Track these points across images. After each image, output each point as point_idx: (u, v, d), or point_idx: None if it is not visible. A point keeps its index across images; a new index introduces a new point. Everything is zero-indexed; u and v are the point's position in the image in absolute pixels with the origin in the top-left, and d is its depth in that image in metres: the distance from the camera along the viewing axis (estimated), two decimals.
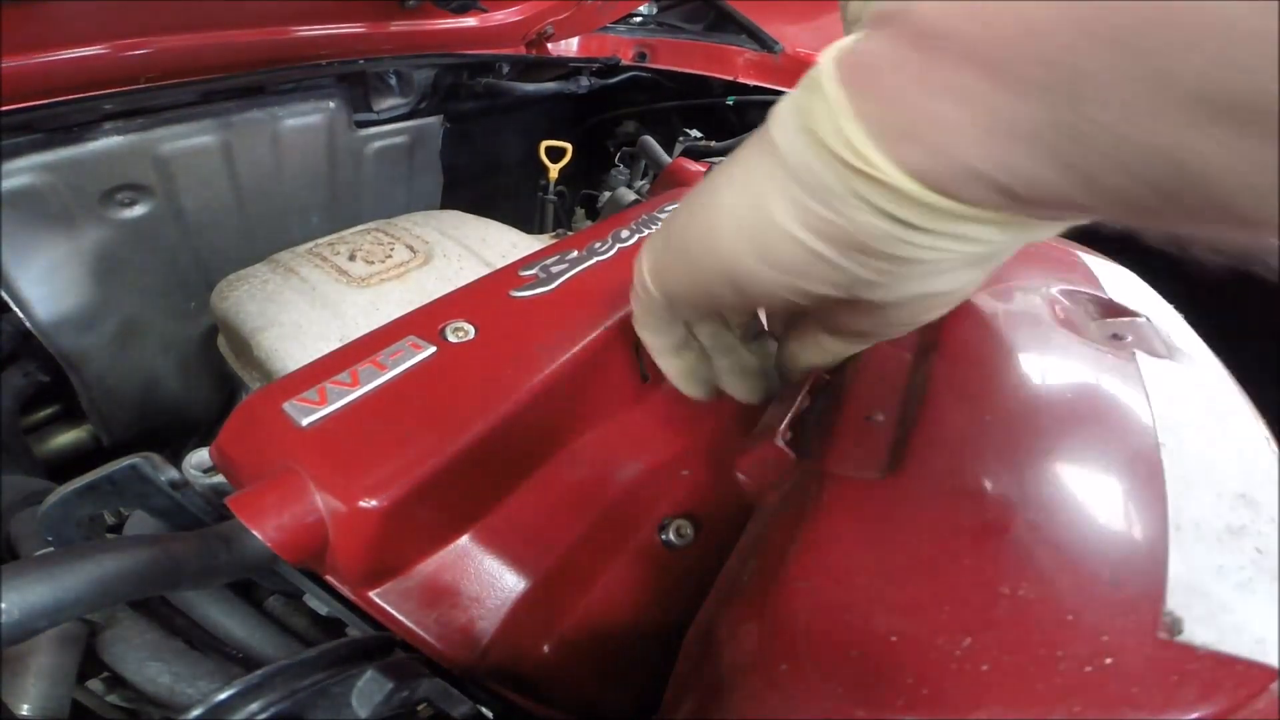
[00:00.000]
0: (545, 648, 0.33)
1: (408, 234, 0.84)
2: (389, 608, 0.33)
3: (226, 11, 0.86)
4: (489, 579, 0.35)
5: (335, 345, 0.41)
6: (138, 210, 0.86)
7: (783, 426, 0.41)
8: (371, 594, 0.33)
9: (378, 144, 1.12)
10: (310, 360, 0.39)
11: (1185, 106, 0.15)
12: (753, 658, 0.25)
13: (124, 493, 0.33)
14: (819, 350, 0.37)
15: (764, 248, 0.23)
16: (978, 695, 0.21)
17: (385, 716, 0.26)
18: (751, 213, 0.22)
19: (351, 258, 0.78)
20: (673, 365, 0.38)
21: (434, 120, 1.19)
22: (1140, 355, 0.38)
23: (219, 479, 0.36)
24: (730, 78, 1.40)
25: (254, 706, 0.24)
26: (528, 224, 1.40)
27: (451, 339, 0.41)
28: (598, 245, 0.54)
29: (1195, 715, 0.20)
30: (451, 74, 1.18)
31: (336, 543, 0.31)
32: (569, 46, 1.53)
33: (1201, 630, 0.22)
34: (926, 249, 0.21)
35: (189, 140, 0.87)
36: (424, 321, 0.42)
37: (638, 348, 0.48)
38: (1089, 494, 0.29)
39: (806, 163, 0.20)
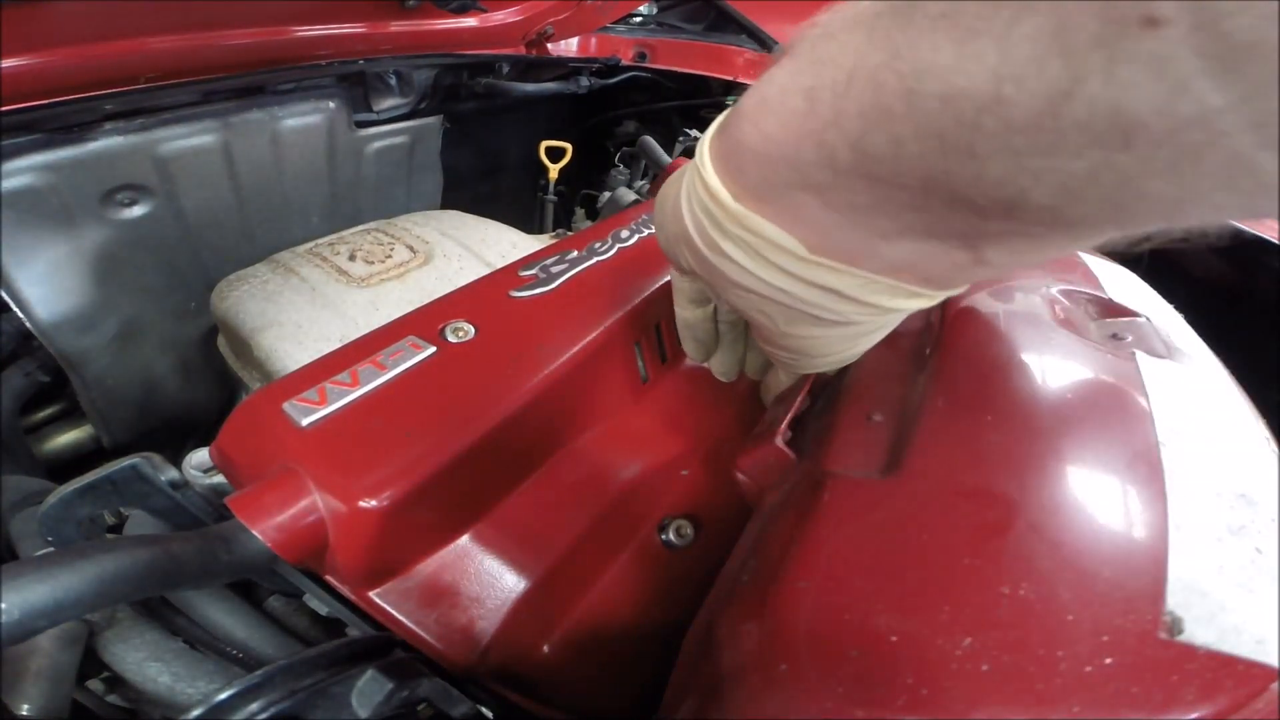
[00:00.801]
0: (545, 648, 0.33)
1: (408, 234, 0.84)
2: (389, 608, 0.33)
3: (226, 11, 0.86)
4: (489, 579, 0.35)
5: (335, 345, 0.41)
6: (138, 210, 0.86)
7: (783, 426, 0.41)
8: (371, 594, 0.33)
9: (378, 144, 1.12)
10: (310, 360, 0.39)
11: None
12: (752, 658, 0.25)
13: (124, 493, 0.33)
14: (774, 373, 0.44)
15: (666, 214, 0.33)
16: (978, 695, 0.21)
17: (385, 716, 0.26)
18: (673, 188, 0.32)
19: (351, 258, 0.78)
20: (682, 311, 0.42)
21: (434, 120, 1.19)
22: (1140, 355, 0.38)
23: (219, 479, 0.36)
24: (730, 78, 1.40)
25: (254, 706, 0.24)
26: (528, 224, 1.40)
27: (451, 339, 0.41)
28: (598, 245, 0.54)
29: (1195, 715, 0.20)
30: (451, 74, 1.18)
31: (336, 543, 0.31)
32: (569, 46, 1.53)
33: (1201, 630, 0.22)
34: (732, 248, 0.29)
35: (189, 140, 0.87)
36: (424, 321, 0.42)
37: (638, 347, 0.48)
38: (1089, 494, 0.29)
39: (695, 168, 0.30)
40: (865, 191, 0.23)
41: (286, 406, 0.34)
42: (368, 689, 0.26)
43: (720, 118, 0.29)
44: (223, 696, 0.24)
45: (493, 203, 1.47)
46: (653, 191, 1.00)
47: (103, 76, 0.80)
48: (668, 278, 0.51)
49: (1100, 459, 0.31)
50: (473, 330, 0.42)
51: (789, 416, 0.42)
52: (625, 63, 1.49)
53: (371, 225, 0.89)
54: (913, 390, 0.38)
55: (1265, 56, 0.13)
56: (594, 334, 0.43)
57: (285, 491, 0.31)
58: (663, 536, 0.40)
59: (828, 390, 0.44)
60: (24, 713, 0.30)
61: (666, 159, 1.03)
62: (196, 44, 0.86)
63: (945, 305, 0.45)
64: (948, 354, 0.40)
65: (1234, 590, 0.23)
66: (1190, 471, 0.29)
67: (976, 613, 0.23)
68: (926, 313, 0.47)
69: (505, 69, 1.26)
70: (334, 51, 1.02)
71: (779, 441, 0.40)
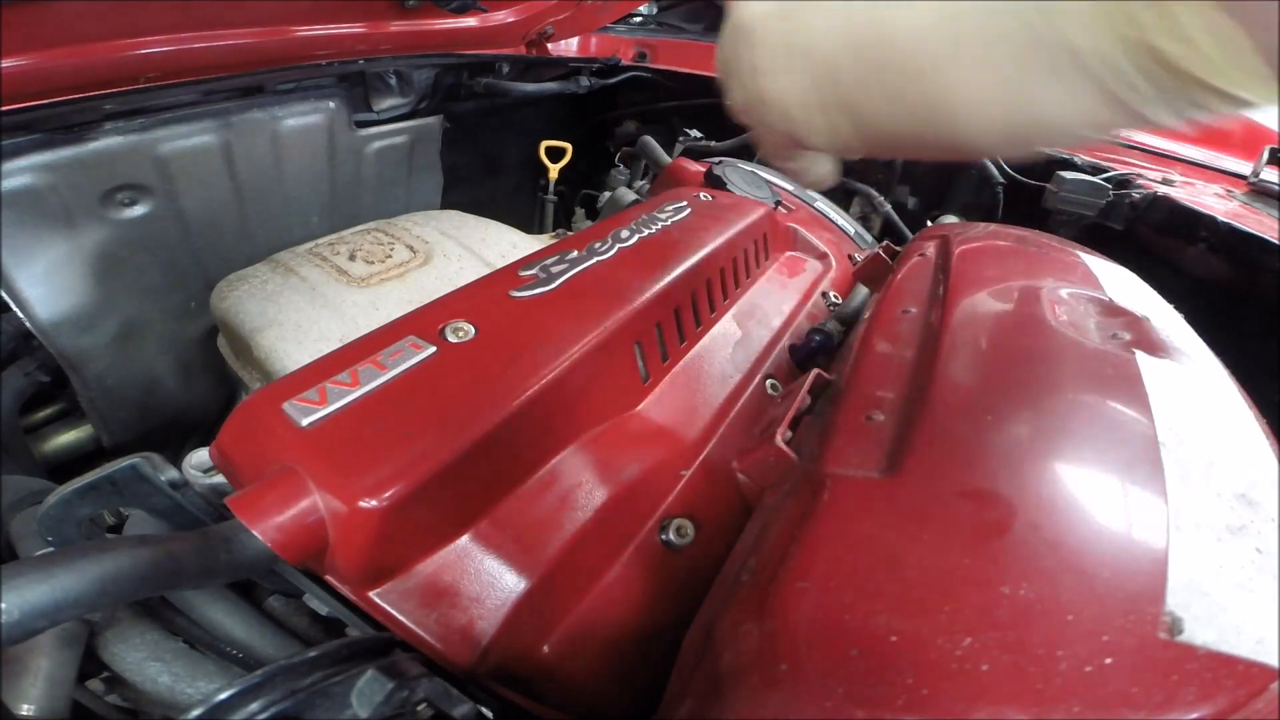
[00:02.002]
0: (545, 648, 0.33)
1: (408, 234, 0.84)
2: (389, 608, 0.33)
3: (226, 11, 0.86)
4: (489, 579, 0.35)
5: (335, 345, 0.41)
6: (138, 210, 0.86)
7: (783, 426, 0.41)
8: (371, 594, 0.33)
9: (378, 144, 1.12)
10: (310, 360, 0.39)
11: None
12: (752, 658, 0.25)
13: (124, 493, 0.33)
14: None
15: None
16: (978, 695, 0.21)
17: (385, 716, 0.26)
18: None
19: (351, 258, 0.78)
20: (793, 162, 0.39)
21: (434, 120, 1.19)
22: (1140, 355, 0.38)
23: (219, 479, 0.36)
24: None
25: (254, 706, 0.24)
26: (528, 224, 1.40)
27: (451, 339, 0.41)
28: (598, 245, 0.54)
29: (1195, 715, 0.20)
30: (451, 74, 1.18)
31: (336, 543, 0.31)
32: (569, 46, 1.53)
33: (1201, 630, 0.22)
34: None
35: (189, 140, 0.87)
36: (424, 321, 0.42)
37: (638, 347, 0.48)
38: (1089, 494, 0.29)
39: None
40: None
41: (286, 406, 0.34)
42: (368, 689, 0.26)
43: None
44: (223, 696, 0.24)
45: (493, 203, 1.47)
46: (653, 192, 1.00)
47: (103, 76, 0.80)
48: (668, 278, 0.51)
49: (1100, 459, 0.31)
50: (473, 330, 0.42)
51: (789, 416, 0.42)
52: (625, 63, 1.49)
53: (371, 225, 0.89)
54: (913, 391, 0.38)
55: None
56: (594, 334, 0.43)
57: (285, 492, 0.31)
58: (663, 536, 0.40)
59: (828, 390, 0.44)
60: (24, 713, 0.30)
61: (666, 159, 1.03)
62: (196, 44, 0.86)
63: (946, 305, 0.45)
64: (948, 354, 0.40)
65: (1234, 590, 0.23)
66: (1190, 471, 0.29)
67: (976, 613, 0.23)
68: (926, 313, 0.47)
69: (505, 69, 1.26)
70: (334, 51, 1.03)
71: (779, 441, 0.40)
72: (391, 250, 0.80)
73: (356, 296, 0.72)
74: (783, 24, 0.27)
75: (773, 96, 0.28)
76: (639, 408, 0.48)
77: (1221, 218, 0.89)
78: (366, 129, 1.09)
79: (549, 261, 0.51)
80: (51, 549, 0.32)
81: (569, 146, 1.43)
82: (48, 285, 0.79)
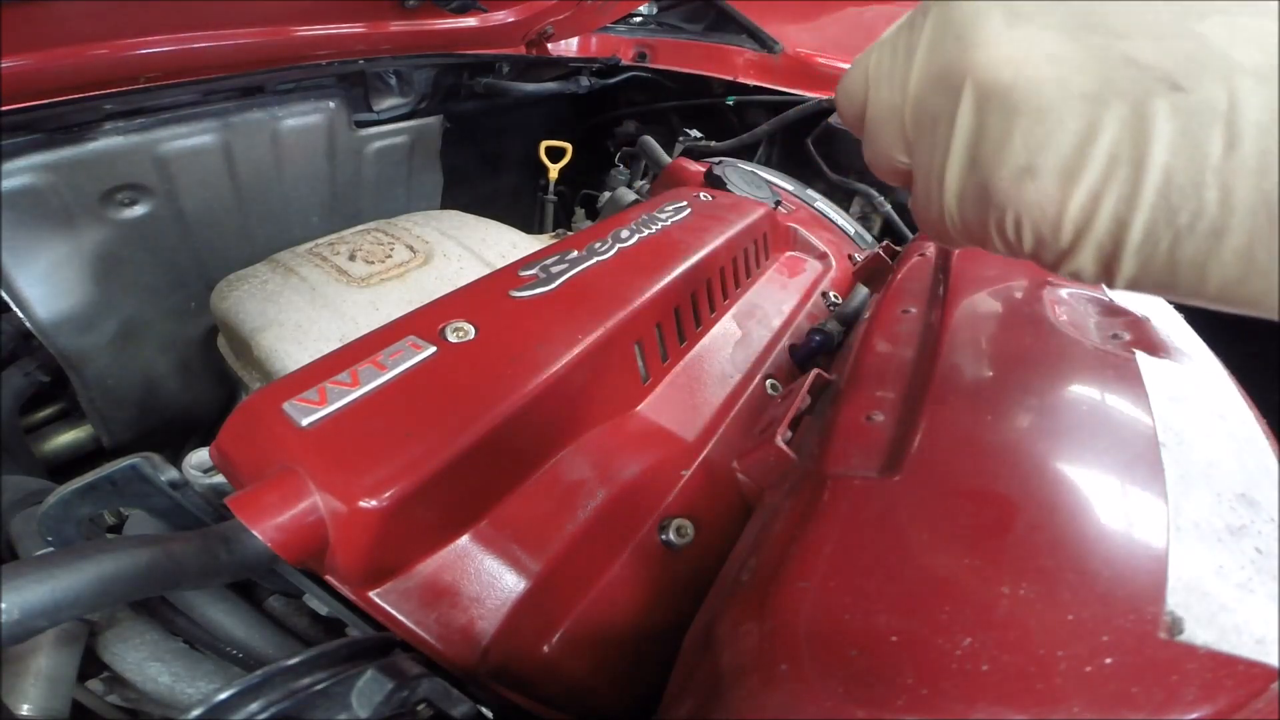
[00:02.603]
0: (545, 648, 0.33)
1: (408, 234, 0.84)
2: (389, 608, 0.33)
3: (226, 11, 0.86)
4: (489, 579, 0.35)
5: (335, 345, 0.41)
6: (138, 210, 0.86)
7: (783, 426, 0.41)
8: (371, 594, 0.33)
9: (378, 144, 1.12)
10: (310, 360, 0.39)
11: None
12: (752, 657, 0.25)
13: (124, 493, 0.33)
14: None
15: None
16: (978, 695, 0.21)
17: (385, 716, 0.26)
18: None
19: (351, 258, 0.78)
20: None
21: (434, 120, 1.19)
22: (1140, 355, 0.38)
23: (219, 479, 0.36)
24: (730, 78, 1.40)
25: (254, 706, 0.25)
26: (528, 224, 1.40)
27: (451, 339, 0.41)
28: (598, 245, 0.54)
29: (1195, 715, 0.20)
30: (451, 74, 1.19)
31: (336, 543, 0.31)
32: (569, 46, 1.53)
33: (1201, 630, 0.22)
34: None
35: (189, 140, 0.87)
36: (424, 321, 0.42)
37: (638, 346, 0.48)
38: (1089, 494, 0.29)
39: None
40: None
41: (286, 406, 0.34)
42: (368, 689, 0.26)
43: None
44: (223, 696, 0.24)
45: (493, 203, 1.48)
46: (653, 192, 1.00)
47: (103, 76, 0.80)
48: (668, 278, 0.51)
49: (1100, 459, 0.31)
50: (473, 330, 0.42)
51: (789, 416, 0.42)
52: (625, 63, 1.49)
53: (371, 225, 0.89)
54: (913, 390, 0.38)
55: None
56: (594, 334, 0.43)
57: (285, 492, 0.31)
58: (663, 536, 0.40)
59: (828, 390, 0.44)
60: (24, 713, 0.30)
61: (666, 159, 1.03)
62: (196, 44, 0.86)
63: (946, 305, 0.45)
64: (948, 354, 0.40)
65: (1234, 590, 0.23)
66: (1190, 471, 0.29)
67: (976, 613, 0.23)
68: (926, 313, 0.47)
69: (505, 69, 1.26)
70: (334, 51, 1.02)
71: (779, 441, 0.40)
72: (391, 250, 0.80)
73: (356, 296, 0.72)
74: (1093, 109, 0.18)
75: (1038, 209, 0.19)
76: (639, 408, 0.48)
77: None
78: (366, 129, 1.09)
79: (549, 261, 0.51)
80: (51, 549, 0.32)
81: (569, 146, 1.43)
82: (48, 285, 0.79)
